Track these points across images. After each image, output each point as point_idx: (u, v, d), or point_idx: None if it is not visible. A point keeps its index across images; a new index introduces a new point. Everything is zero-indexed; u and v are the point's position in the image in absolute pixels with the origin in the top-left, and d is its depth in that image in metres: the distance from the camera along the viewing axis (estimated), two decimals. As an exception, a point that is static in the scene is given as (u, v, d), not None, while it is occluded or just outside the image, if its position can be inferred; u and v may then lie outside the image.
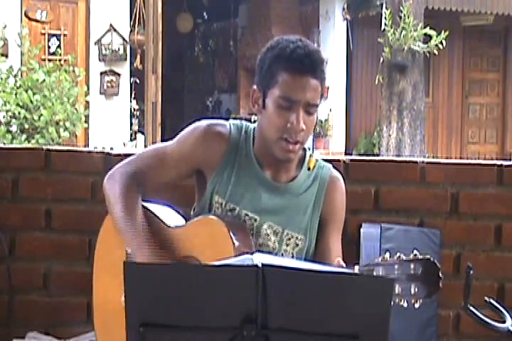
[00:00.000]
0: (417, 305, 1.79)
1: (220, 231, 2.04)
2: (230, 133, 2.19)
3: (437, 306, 2.67)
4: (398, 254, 1.83)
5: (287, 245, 2.16)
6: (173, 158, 2.19)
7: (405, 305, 1.78)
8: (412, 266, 1.79)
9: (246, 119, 2.25)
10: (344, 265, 1.92)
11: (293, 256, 2.16)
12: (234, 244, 2.02)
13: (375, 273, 1.83)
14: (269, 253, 2.13)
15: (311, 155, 2.23)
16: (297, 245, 2.17)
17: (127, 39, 10.86)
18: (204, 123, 2.21)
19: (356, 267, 1.87)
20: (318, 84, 2.07)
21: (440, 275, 1.78)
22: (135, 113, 11.03)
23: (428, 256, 1.80)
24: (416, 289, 1.78)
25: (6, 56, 9.35)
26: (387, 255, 1.84)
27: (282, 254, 2.15)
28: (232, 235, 2.03)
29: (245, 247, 2.03)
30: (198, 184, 2.25)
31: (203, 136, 2.17)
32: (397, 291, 1.77)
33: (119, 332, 1.67)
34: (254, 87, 2.14)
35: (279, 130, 2.07)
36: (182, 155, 2.18)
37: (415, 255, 1.81)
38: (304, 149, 2.22)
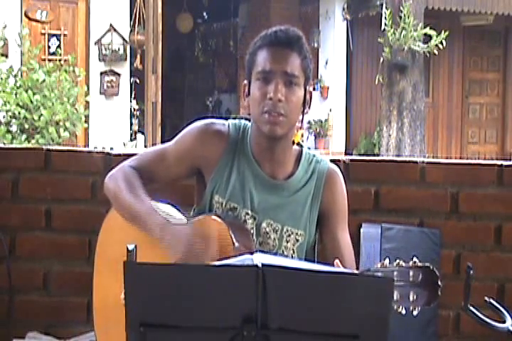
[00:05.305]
0: (415, 313, 1.78)
1: (221, 231, 2.04)
2: (228, 132, 2.19)
3: (437, 306, 2.66)
4: (398, 261, 1.82)
5: (287, 242, 2.16)
6: (173, 156, 2.20)
7: (403, 312, 1.78)
8: (411, 273, 1.78)
9: (246, 119, 2.24)
10: (341, 266, 1.91)
11: (294, 252, 2.16)
12: (234, 243, 2.02)
13: None
14: (270, 250, 2.13)
15: (302, 142, 2.23)
16: (297, 241, 2.17)
17: (127, 39, 10.85)
18: (203, 122, 2.22)
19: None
20: (296, 56, 2.08)
21: (439, 283, 1.77)
22: (135, 113, 11.03)
23: (427, 264, 1.80)
24: (415, 296, 1.77)
25: (6, 56, 9.34)
26: (387, 261, 1.83)
27: (283, 251, 2.15)
28: (232, 235, 2.03)
29: (245, 247, 2.02)
30: (197, 185, 2.25)
31: (201, 134, 2.18)
32: (395, 298, 1.76)
33: (119, 330, 1.66)
34: (245, 81, 2.16)
35: (260, 104, 2.07)
36: (181, 152, 2.19)
37: (415, 262, 1.81)
38: (300, 145, 2.22)
